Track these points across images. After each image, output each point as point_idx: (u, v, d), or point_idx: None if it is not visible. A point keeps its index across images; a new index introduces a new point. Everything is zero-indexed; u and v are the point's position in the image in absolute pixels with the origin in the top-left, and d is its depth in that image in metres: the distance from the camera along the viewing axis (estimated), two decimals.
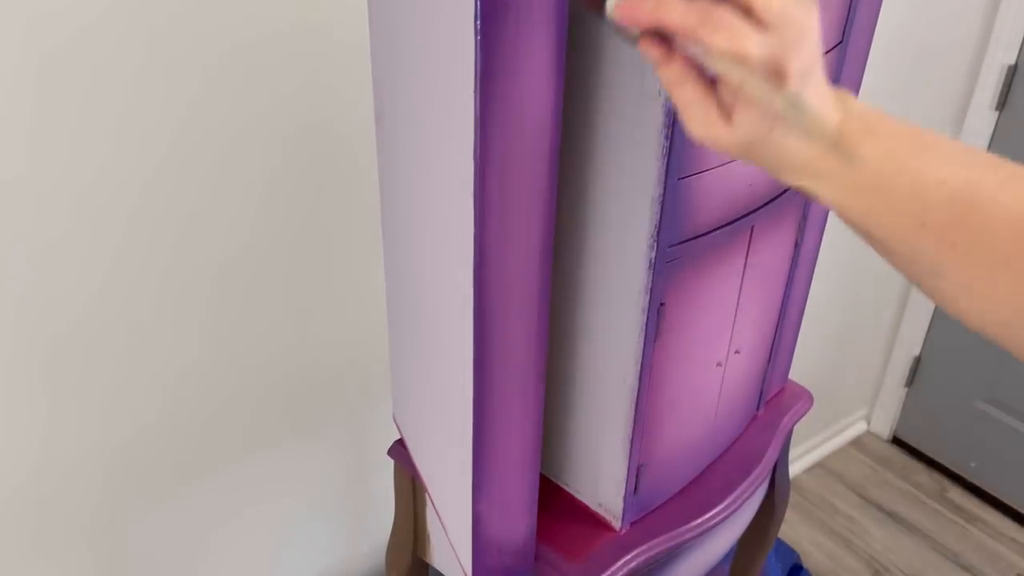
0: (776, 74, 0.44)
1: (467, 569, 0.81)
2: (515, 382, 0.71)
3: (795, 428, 1.05)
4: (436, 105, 0.64)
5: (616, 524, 0.84)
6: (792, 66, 0.44)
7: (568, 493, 0.87)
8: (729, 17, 0.43)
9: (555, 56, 0.57)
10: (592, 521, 0.85)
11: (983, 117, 1.89)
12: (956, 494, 2.18)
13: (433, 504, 0.92)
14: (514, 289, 0.66)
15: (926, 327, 2.18)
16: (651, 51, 0.47)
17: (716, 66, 0.45)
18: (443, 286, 0.70)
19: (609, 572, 0.81)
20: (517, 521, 0.79)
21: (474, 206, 0.60)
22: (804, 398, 1.04)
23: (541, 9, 0.55)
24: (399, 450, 0.98)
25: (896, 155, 0.47)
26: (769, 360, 0.96)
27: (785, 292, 0.92)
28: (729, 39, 0.43)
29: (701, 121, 0.48)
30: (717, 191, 0.69)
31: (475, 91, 0.55)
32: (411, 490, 0.97)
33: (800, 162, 0.48)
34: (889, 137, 0.48)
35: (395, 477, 1.01)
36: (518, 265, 0.65)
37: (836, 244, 1.81)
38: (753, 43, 0.43)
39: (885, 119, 0.49)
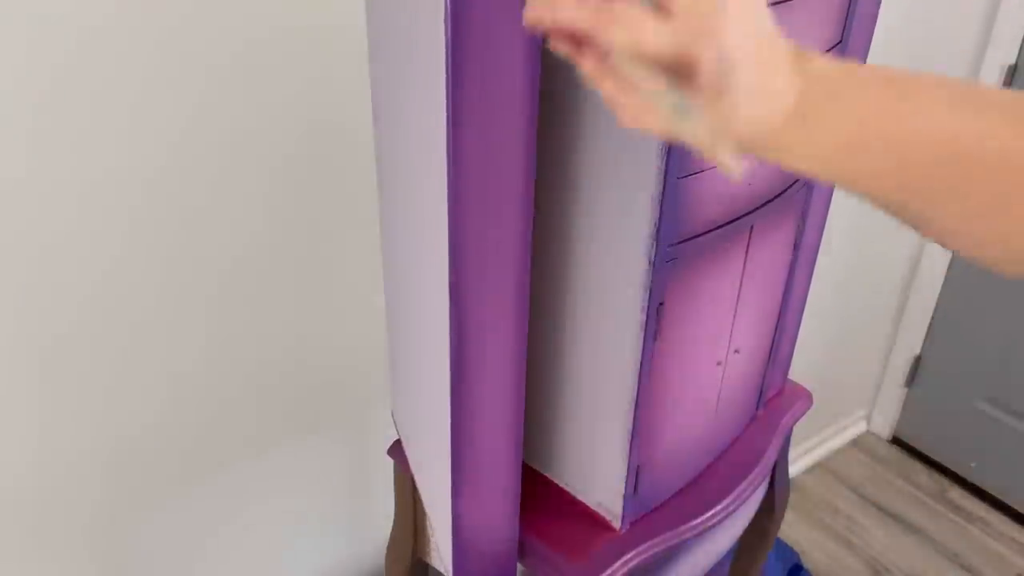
0: (686, 67, 0.41)
1: (448, 568, 0.82)
2: (493, 385, 0.71)
3: (795, 428, 1.05)
4: (416, 102, 0.64)
5: (616, 523, 0.84)
6: (704, 57, 0.41)
7: (568, 493, 0.87)
8: (625, 9, 0.41)
9: (527, 48, 0.57)
10: (592, 520, 0.85)
11: None
12: (956, 494, 2.18)
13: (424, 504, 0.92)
14: (491, 294, 0.66)
15: (926, 327, 2.18)
16: (560, 48, 0.45)
17: (619, 62, 0.42)
18: (427, 286, 0.70)
19: (609, 571, 0.81)
20: (498, 526, 0.79)
21: (448, 201, 0.60)
22: (804, 398, 1.04)
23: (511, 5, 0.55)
24: (399, 450, 0.98)
25: (866, 117, 0.44)
26: (769, 359, 0.96)
27: (785, 291, 0.92)
28: (626, 32, 0.40)
29: (627, 112, 0.45)
30: (716, 190, 0.69)
31: (446, 90, 0.55)
32: (411, 490, 0.97)
33: (756, 137, 0.45)
34: (856, 98, 0.45)
35: (395, 477, 1.01)
36: (494, 266, 0.65)
37: (836, 244, 1.81)
38: (651, 35, 0.40)
39: (853, 75, 0.46)
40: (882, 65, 0.46)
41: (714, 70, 0.41)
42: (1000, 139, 0.43)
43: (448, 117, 0.56)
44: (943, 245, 0.49)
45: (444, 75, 0.55)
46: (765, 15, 0.43)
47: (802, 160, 0.46)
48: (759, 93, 0.43)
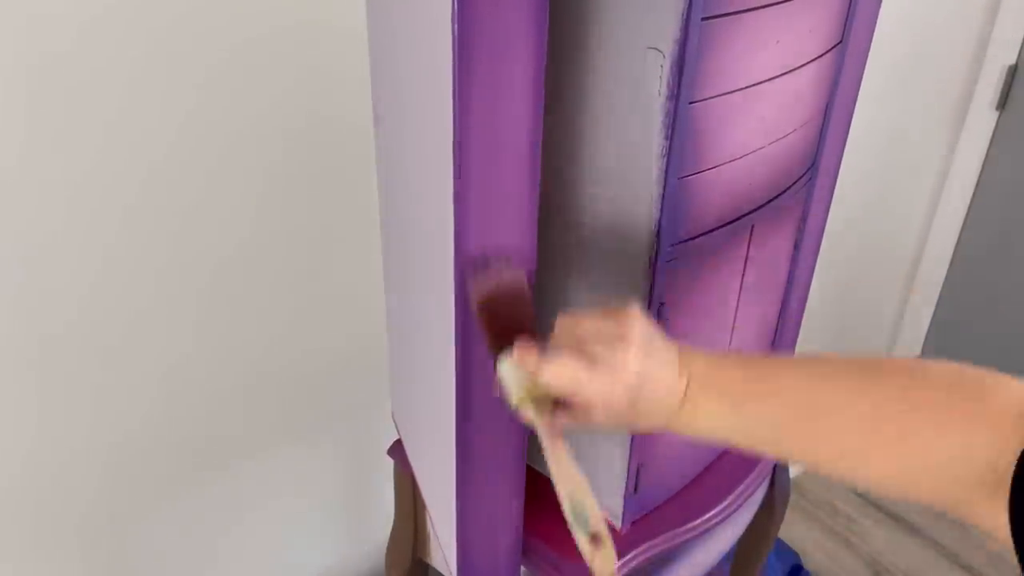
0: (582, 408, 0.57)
1: (452, 569, 0.82)
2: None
3: None
4: (420, 102, 0.64)
5: (616, 523, 0.84)
6: (593, 410, 0.57)
7: None
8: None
9: (533, 48, 0.57)
10: None
11: (983, 117, 1.89)
12: None
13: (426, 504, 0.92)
14: None
15: (926, 327, 2.18)
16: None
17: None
18: (429, 287, 0.70)
19: None
20: (502, 528, 0.79)
21: (453, 201, 0.60)
22: None
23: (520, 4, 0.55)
24: (399, 450, 0.98)
25: (735, 400, 0.57)
26: None
27: (785, 291, 0.92)
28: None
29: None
30: (717, 191, 0.69)
31: (453, 90, 0.55)
32: (411, 490, 0.97)
33: (663, 420, 0.58)
34: (725, 385, 0.58)
35: (395, 477, 1.01)
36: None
37: (837, 244, 1.81)
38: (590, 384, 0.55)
39: (724, 366, 0.59)
40: (747, 355, 0.61)
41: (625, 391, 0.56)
42: (851, 404, 0.53)
43: (455, 118, 0.56)
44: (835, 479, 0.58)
45: (451, 76, 0.55)
46: (658, 340, 0.58)
47: (695, 431, 0.59)
48: (661, 399, 0.57)
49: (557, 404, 0.58)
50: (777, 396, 0.56)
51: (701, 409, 0.57)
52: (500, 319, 0.61)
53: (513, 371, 0.57)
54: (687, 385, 0.57)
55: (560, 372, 0.56)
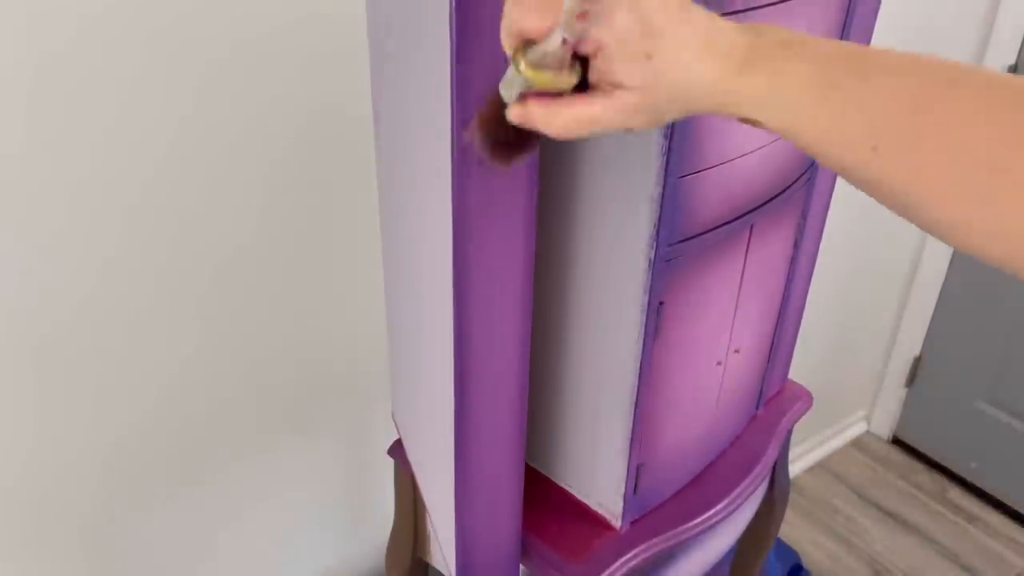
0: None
1: (452, 569, 0.82)
2: (496, 388, 0.71)
3: (795, 428, 1.05)
4: (419, 103, 0.64)
5: (616, 523, 0.84)
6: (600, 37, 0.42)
7: (568, 492, 0.87)
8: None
9: None
10: (592, 520, 0.85)
11: None
12: (956, 494, 2.18)
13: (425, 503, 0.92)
14: (494, 296, 0.66)
15: (926, 327, 2.18)
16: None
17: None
18: (428, 288, 0.70)
19: (609, 571, 0.81)
20: (501, 529, 0.79)
21: (452, 202, 0.60)
22: (804, 398, 1.04)
23: None
24: (399, 450, 0.98)
25: (825, 69, 0.41)
26: (769, 359, 0.96)
27: (785, 291, 0.92)
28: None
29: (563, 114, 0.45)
30: (716, 190, 0.69)
31: (451, 91, 0.55)
32: (411, 490, 0.97)
33: (707, 91, 0.43)
34: (814, 53, 0.42)
35: (395, 477, 1.01)
36: (497, 268, 0.65)
37: (837, 243, 1.81)
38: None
39: (814, 39, 0.43)
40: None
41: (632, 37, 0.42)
42: (976, 102, 0.39)
43: (453, 118, 0.56)
44: (953, 244, 0.43)
45: (449, 76, 0.55)
46: None
47: (768, 112, 0.43)
48: (701, 41, 0.42)
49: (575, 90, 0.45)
50: (890, 76, 0.40)
51: (777, 77, 0.42)
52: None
53: (515, 72, 0.46)
54: (752, 41, 0.43)
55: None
